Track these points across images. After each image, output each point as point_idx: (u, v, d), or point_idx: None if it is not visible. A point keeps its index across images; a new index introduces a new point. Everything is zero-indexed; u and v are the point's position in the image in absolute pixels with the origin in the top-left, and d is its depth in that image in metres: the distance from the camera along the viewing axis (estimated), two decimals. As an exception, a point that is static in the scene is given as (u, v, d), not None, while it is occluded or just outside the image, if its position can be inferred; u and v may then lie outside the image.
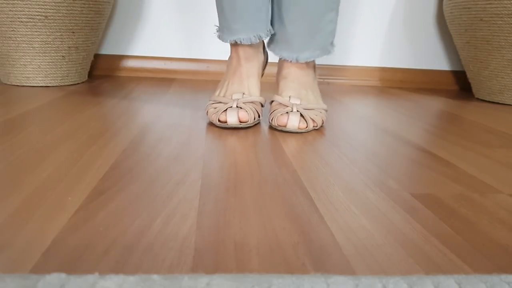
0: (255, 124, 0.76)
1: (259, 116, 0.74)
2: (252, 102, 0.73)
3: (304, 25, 0.73)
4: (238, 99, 0.72)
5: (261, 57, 0.79)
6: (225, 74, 0.79)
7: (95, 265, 0.30)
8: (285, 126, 0.71)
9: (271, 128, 0.74)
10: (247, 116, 0.71)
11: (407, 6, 1.39)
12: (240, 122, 0.71)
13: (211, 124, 0.74)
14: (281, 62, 0.81)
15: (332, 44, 0.77)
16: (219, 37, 0.77)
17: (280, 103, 0.74)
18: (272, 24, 0.76)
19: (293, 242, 0.34)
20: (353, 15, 1.38)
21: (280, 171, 0.51)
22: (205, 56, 1.39)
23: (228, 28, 0.74)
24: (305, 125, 0.71)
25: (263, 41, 0.80)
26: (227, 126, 0.71)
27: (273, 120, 0.72)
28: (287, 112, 0.71)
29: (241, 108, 0.71)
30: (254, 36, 0.74)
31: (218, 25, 0.78)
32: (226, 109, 0.71)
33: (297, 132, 0.72)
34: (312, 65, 0.81)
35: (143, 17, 1.34)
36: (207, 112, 0.75)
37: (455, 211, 0.42)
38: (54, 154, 0.54)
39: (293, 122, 0.70)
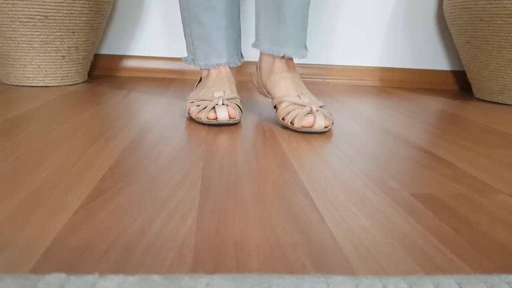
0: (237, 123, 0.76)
1: (241, 112, 0.78)
2: (233, 98, 0.76)
3: (302, 20, 0.75)
4: (222, 96, 0.74)
5: (234, 72, 0.86)
6: (201, 86, 0.82)
7: (95, 265, 0.30)
8: (312, 126, 0.69)
9: (271, 128, 0.74)
10: (235, 112, 0.72)
11: (407, 6, 1.39)
12: (230, 118, 0.72)
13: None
14: (270, 65, 0.79)
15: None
16: (204, 65, 0.82)
17: (295, 103, 0.72)
18: (260, 25, 0.78)
19: (293, 242, 0.34)
20: (353, 15, 1.38)
21: (280, 171, 0.51)
22: (205, 56, 1.39)
23: (214, 55, 0.81)
24: (328, 123, 0.71)
25: None
26: (217, 122, 0.72)
27: (294, 121, 0.70)
28: (309, 112, 0.70)
29: (227, 105, 0.73)
30: (238, 60, 0.84)
31: (192, 53, 0.84)
32: (214, 107, 0.72)
33: (321, 132, 0.71)
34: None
35: (143, 17, 1.34)
36: (189, 110, 0.76)
37: (455, 211, 0.42)
38: (54, 154, 0.54)
39: (320, 122, 0.69)
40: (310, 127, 0.69)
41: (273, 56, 0.78)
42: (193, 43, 0.83)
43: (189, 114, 0.76)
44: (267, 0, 0.74)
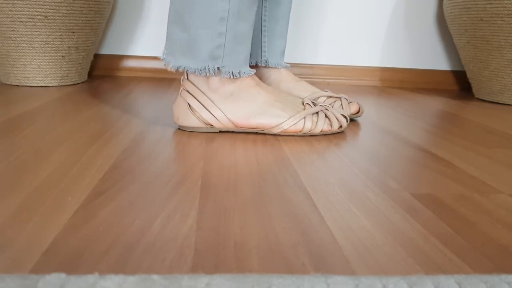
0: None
1: None
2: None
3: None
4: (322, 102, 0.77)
5: None
6: (259, 97, 0.67)
7: (95, 265, 0.30)
8: (358, 112, 0.79)
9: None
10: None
11: (407, 6, 1.39)
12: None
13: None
14: (275, 77, 0.86)
15: None
16: (237, 73, 0.65)
17: (331, 96, 0.81)
18: (266, 42, 0.84)
19: (293, 242, 0.34)
20: (353, 15, 1.38)
21: (280, 171, 0.51)
22: (205, 56, 1.38)
23: (247, 61, 0.67)
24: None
25: None
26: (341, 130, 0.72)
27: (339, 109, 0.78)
28: (349, 102, 0.80)
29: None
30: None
31: (220, 58, 0.63)
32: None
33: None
34: None
35: (143, 17, 1.34)
36: (316, 128, 0.68)
37: (455, 211, 0.42)
38: (54, 154, 0.54)
39: (362, 108, 0.82)
40: (357, 113, 0.79)
41: (271, 68, 0.85)
42: (234, 43, 0.63)
43: (311, 131, 0.68)
44: (271, 19, 0.81)
